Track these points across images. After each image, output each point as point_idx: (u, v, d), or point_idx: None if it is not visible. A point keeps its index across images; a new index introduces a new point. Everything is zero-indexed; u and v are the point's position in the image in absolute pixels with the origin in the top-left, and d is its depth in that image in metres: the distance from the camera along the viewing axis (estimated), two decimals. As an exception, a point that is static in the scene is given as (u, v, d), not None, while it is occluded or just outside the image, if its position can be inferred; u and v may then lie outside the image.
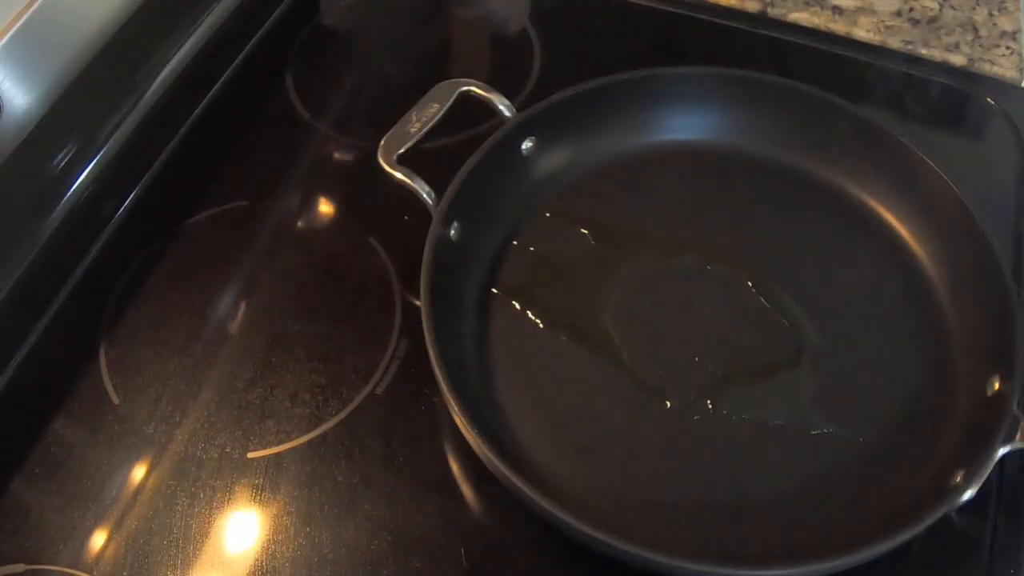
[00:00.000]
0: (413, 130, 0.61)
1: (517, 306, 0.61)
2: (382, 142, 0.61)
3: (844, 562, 0.47)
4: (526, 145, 0.64)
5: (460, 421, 0.51)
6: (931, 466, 0.53)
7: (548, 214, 0.65)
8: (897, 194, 0.63)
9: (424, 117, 0.62)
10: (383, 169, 0.60)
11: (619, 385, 0.57)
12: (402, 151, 0.60)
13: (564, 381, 0.57)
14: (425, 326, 0.53)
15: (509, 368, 0.58)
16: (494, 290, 0.61)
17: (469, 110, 0.64)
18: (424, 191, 0.59)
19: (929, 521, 0.47)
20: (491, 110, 0.64)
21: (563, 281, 0.62)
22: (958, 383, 0.56)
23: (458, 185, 0.60)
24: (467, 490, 0.54)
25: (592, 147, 0.66)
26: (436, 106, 0.62)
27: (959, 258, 0.59)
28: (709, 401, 0.56)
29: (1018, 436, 0.49)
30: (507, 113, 0.64)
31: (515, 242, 0.63)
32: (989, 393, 0.52)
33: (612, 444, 0.55)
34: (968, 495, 0.48)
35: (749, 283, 0.60)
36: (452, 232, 0.60)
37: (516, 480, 0.48)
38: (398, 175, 0.59)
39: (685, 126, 0.67)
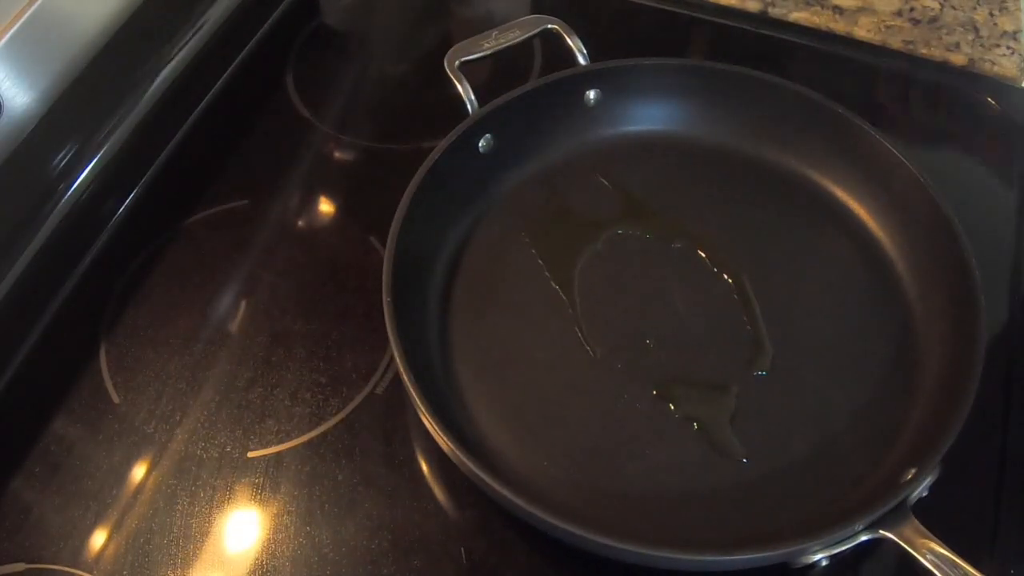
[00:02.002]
0: (486, 45, 0.64)
1: (511, 222, 0.63)
2: (454, 46, 0.64)
3: (792, 550, 0.47)
4: (591, 96, 0.66)
5: (416, 400, 0.51)
6: (887, 461, 0.53)
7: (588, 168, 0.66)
8: (864, 184, 0.63)
9: (502, 38, 0.65)
10: (444, 69, 0.63)
11: (575, 363, 0.58)
12: (467, 59, 0.64)
13: (519, 354, 0.58)
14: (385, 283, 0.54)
15: (467, 348, 0.58)
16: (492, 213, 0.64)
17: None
18: (469, 99, 0.63)
19: (879, 513, 0.47)
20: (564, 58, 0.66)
21: (563, 224, 0.64)
22: (920, 372, 0.56)
23: (505, 101, 0.63)
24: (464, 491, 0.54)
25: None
26: (517, 32, 0.65)
27: (923, 244, 0.59)
28: (655, 391, 0.56)
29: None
30: (582, 61, 0.65)
31: (538, 179, 0.66)
32: (947, 387, 0.53)
33: (569, 426, 0.55)
34: (921, 490, 0.48)
35: (715, 269, 0.61)
36: (481, 143, 0.63)
37: (461, 453, 0.49)
38: (452, 77, 0.63)
39: (653, 117, 0.68)
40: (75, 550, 0.52)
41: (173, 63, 0.72)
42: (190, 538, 0.52)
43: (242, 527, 0.53)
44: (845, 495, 0.52)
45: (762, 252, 0.62)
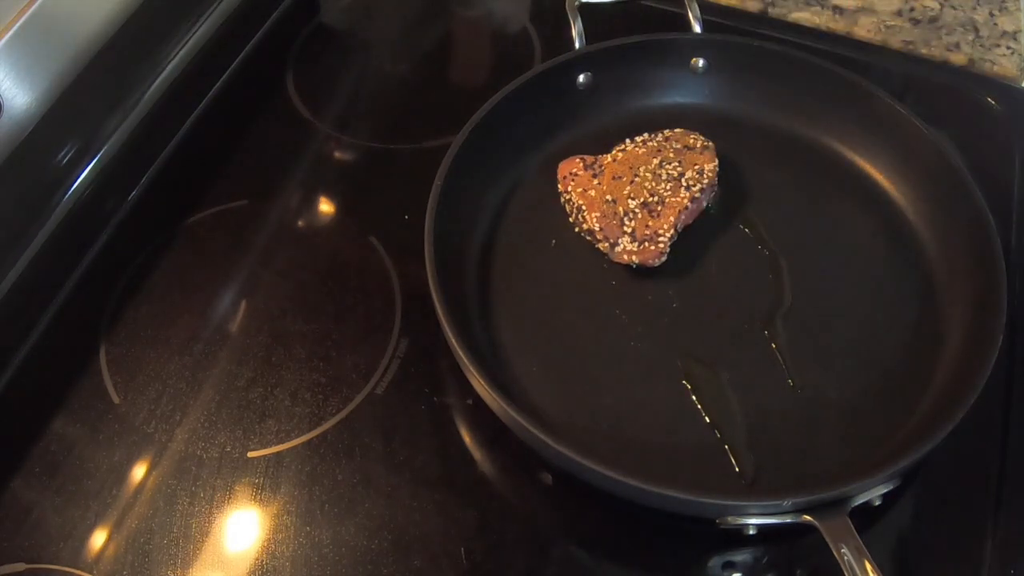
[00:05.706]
0: None
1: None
2: None
3: (714, 503, 0.48)
4: (700, 64, 0.68)
5: (454, 344, 0.52)
6: (915, 414, 0.54)
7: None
8: (888, 155, 0.65)
9: None
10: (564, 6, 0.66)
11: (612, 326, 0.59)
12: (587, 0, 0.67)
13: (559, 305, 0.60)
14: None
15: (504, 293, 0.60)
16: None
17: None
18: (578, 36, 0.66)
19: (808, 499, 0.47)
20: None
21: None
22: (944, 329, 0.57)
23: (613, 45, 0.66)
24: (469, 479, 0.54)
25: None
26: None
27: (946, 212, 0.61)
28: (679, 361, 0.57)
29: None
30: (697, 28, 0.68)
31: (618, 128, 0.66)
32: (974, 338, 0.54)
33: (608, 387, 0.56)
34: (870, 496, 0.48)
35: (744, 229, 0.63)
36: (582, 78, 0.66)
37: (502, 402, 0.50)
38: (568, 15, 0.66)
39: (693, 90, 0.69)
40: (75, 550, 0.52)
41: (173, 63, 0.72)
42: (190, 538, 0.52)
43: (242, 527, 0.53)
44: (803, 475, 0.52)
45: (795, 223, 0.63)
